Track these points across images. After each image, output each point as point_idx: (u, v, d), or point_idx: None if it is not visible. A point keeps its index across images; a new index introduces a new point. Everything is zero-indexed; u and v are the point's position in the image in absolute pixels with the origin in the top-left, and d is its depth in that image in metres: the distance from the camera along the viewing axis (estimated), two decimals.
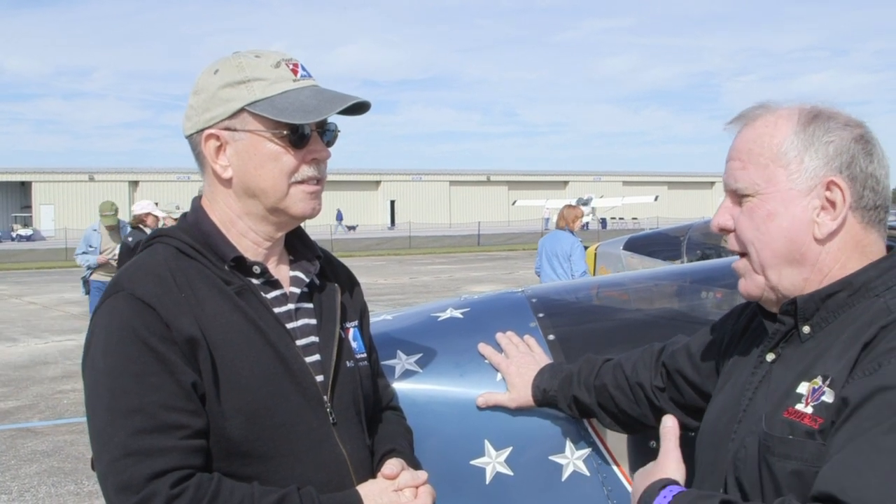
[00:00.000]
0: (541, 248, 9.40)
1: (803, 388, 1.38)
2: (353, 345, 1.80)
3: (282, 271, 1.75)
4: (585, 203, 50.82)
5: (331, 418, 1.67)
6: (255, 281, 1.67)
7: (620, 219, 69.29)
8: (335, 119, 1.69)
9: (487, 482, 1.94)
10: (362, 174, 77.01)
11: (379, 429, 1.85)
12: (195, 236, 1.67)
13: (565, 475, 1.96)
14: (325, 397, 1.67)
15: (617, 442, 1.99)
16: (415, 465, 1.76)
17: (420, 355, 2.10)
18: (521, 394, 1.99)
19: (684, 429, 1.82)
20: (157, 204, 10.47)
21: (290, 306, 1.71)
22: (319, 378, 1.67)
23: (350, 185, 72.17)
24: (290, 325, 1.68)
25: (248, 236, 1.70)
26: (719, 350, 1.73)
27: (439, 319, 2.26)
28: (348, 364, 1.75)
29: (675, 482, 1.48)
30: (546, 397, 1.97)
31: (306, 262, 1.78)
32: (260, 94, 1.61)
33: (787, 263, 1.45)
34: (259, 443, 1.58)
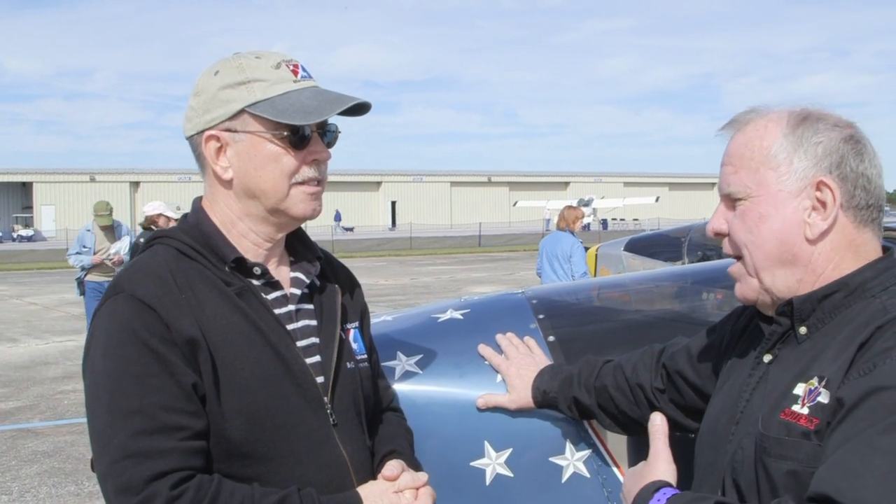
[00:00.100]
0: (541, 249, 9.40)
1: (800, 389, 1.38)
2: (354, 346, 1.80)
3: (282, 272, 1.75)
4: (586, 204, 50.87)
5: (331, 419, 1.67)
6: (255, 282, 1.68)
7: (621, 220, 69.33)
8: (336, 120, 1.70)
9: (487, 483, 1.94)
10: (363, 175, 77.04)
11: (379, 430, 1.85)
12: (196, 237, 1.67)
13: (565, 476, 1.96)
14: (325, 398, 1.67)
15: (617, 443, 2.00)
16: (415, 466, 1.76)
17: (420, 356, 2.10)
18: (521, 395, 1.99)
19: (684, 430, 1.82)
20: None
21: (291, 307, 1.71)
22: (320, 379, 1.67)
23: (351, 185, 72.18)
24: (290, 327, 1.68)
25: (249, 237, 1.70)
26: (718, 351, 1.73)
27: (439, 321, 2.26)
28: (349, 365, 1.75)
29: (667, 484, 1.49)
30: (546, 399, 1.97)
31: (307, 264, 1.78)
32: (260, 95, 1.62)
33: (780, 265, 1.45)
34: (259, 444, 1.58)
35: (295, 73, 1.66)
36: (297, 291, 1.74)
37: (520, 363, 2.04)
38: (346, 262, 2.01)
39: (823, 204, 1.42)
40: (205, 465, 1.52)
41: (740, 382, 1.54)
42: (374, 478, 1.70)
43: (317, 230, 39.94)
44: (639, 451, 1.97)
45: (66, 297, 19.21)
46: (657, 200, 61.75)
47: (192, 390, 1.52)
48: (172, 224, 9.50)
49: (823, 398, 1.33)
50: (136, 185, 67.82)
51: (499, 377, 2.05)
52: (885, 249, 1.48)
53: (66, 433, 7.52)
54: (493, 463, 1.96)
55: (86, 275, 10.07)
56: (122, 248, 10.00)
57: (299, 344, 1.67)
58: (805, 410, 1.35)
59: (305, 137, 1.64)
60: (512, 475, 1.95)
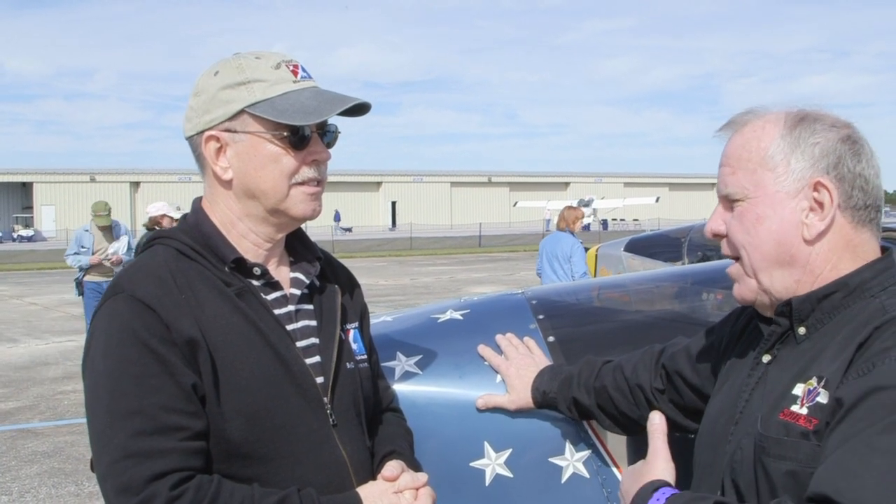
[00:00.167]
0: (541, 249, 9.40)
1: (799, 389, 1.39)
2: (354, 346, 1.80)
3: (282, 273, 1.75)
4: (587, 204, 50.84)
5: (331, 420, 1.67)
6: (255, 282, 1.68)
7: (622, 220, 69.30)
8: (335, 120, 1.70)
9: (487, 484, 1.94)
10: (363, 175, 77.03)
11: (379, 430, 1.85)
12: (195, 238, 1.67)
13: (565, 477, 1.96)
14: (325, 399, 1.67)
15: (617, 444, 2.00)
16: (415, 466, 1.76)
17: (420, 357, 2.10)
18: (521, 395, 1.99)
19: (684, 431, 1.82)
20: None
21: (291, 308, 1.71)
22: (320, 380, 1.67)
23: (351, 186, 72.17)
24: (290, 327, 1.68)
25: (249, 238, 1.70)
26: (718, 352, 1.73)
27: (439, 321, 2.26)
28: (348, 366, 1.75)
29: (666, 483, 1.49)
30: (546, 399, 1.97)
31: (306, 264, 1.78)
32: (260, 95, 1.62)
33: (778, 265, 1.45)
34: (259, 444, 1.58)
35: (295, 73, 1.66)
36: (297, 292, 1.74)
37: (519, 364, 2.04)
38: (346, 263, 2.01)
39: (821, 204, 1.42)
40: (204, 465, 1.52)
41: (739, 383, 1.54)
42: (374, 478, 1.70)
43: (317, 230, 39.94)
44: (638, 451, 1.97)
45: (66, 297, 19.20)
46: (657, 201, 61.72)
47: (192, 391, 1.52)
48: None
49: (822, 398, 1.34)
50: (136, 185, 67.84)
51: (498, 377, 2.05)
52: (883, 250, 1.48)
53: (66, 433, 7.52)
54: (493, 463, 1.96)
55: (84, 275, 10.03)
56: (120, 248, 9.97)
57: (299, 344, 1.67)
58: (804, 411, 1.36)
59: (305, 138, 1.64)
60: (511, 476, 1.95)
